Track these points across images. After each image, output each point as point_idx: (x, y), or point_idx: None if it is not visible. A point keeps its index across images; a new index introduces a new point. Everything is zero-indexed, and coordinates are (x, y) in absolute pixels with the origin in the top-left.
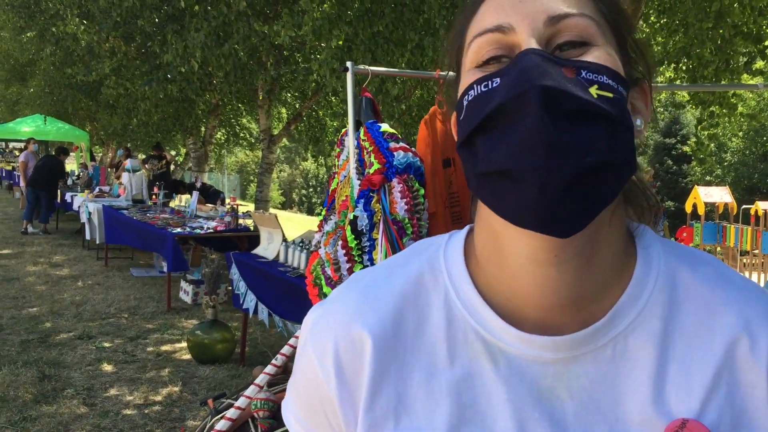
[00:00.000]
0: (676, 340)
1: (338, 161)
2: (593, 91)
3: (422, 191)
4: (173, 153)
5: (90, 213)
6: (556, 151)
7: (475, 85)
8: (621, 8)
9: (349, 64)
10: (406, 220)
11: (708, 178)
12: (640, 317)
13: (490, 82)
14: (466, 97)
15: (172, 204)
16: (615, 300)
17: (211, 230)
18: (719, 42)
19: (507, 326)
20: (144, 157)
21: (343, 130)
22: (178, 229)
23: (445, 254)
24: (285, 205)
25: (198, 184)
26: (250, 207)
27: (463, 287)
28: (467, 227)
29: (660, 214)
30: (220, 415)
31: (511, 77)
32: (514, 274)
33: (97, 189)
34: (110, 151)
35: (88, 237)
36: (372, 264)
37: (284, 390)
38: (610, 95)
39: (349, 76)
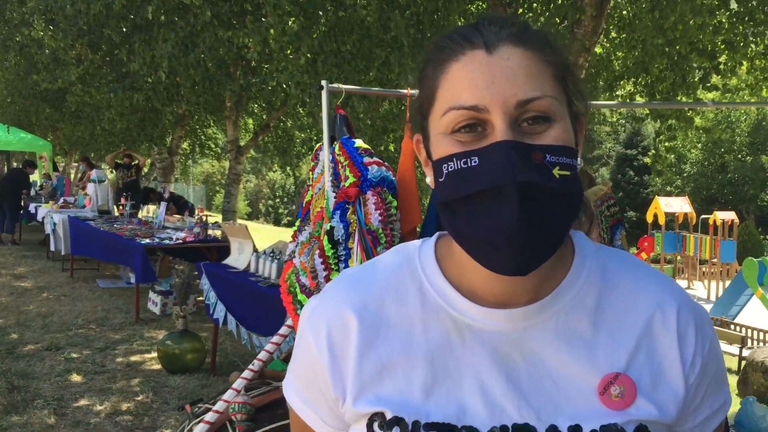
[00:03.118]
0: (606, 314)
1: (313, 174)
2: (555, 172)
3: (395, 203)
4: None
5: (55, 224)
6: (528, 234)
7: (454, 158)
8: (568, 65)
9: (324, 82)
10: (380, 231)
11: (668, 188)
12: (577, 297)
13: (468, 160)
14: (446, 166)
15: (139, 215)
16: (557, 284)
17: (180, 241)
18: (675, 58)
19: (471, 304)
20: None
21: (318, 145)
22: (147, 240)
23: (419, 254)
24: (251, 216)
25: (166, 195)
26: (218, 217)
27: (435, 278)
28: (436, 234)
29: (618, 225)
30: (198, 419)
31: (490, 166)
32: (481, 278)
33: (61, 200)
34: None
35: (52, 248)
36: None
37: (261, 394)
38: (568, 173)
39: (323, 94)
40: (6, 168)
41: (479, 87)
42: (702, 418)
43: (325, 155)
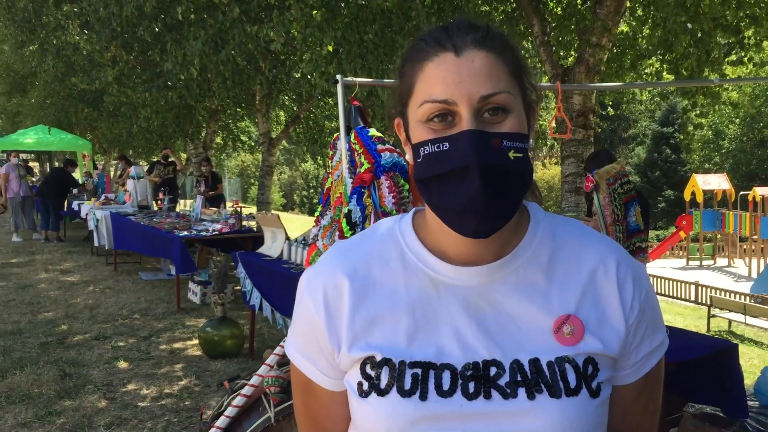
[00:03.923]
0: (557, 269)
1: (331, 162)
2: (511, 154)
3: (407, 186)
4: (183, 156)
5: (98, 220)
6: (489, 204)
7: (429, 143)
8: (522, 63)
9: (339, 77)
10: (394, 212)
11: (706, 165)
12: (532, 255)
13: (441, 145)
14: (423, 149)
15: (177, 209)
16: (516, 245)
17: (217, 232)
18: (699, 35)
19: (444, 264)
20: (147, 165)
21: (335, 135)
22: (185, 233)
23: (399, 225)
24: (286, 207)
25: (201, 188)
26: (252, 209)
27: (413, 244)
28: (413, 210)
29: (633, 201)
30: (236, 393)
31: (458, 150)
32: (452, 241)
33: (103, 197)
34: (111, 159)
35: (96, 244)
36: None
37: None
38: (520, 155)
39: (339, 87)
40: (48, 168)
41: (449, 84)
42: (643, 354)
43: (342, 144)
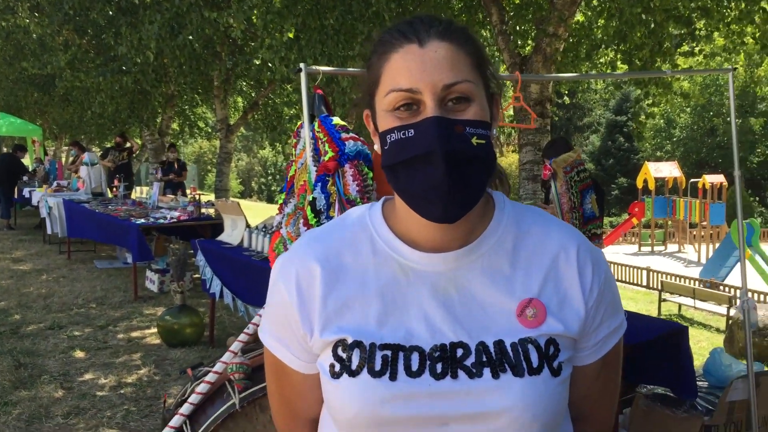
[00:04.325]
0: (521, 255)
1: (295, 150)
2: (474, 141)
3: (371, 174)
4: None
5: (50, 207)
6: (453, 189)
7: (395, 131)
8: (485, 56)
9: (302, 65)
10: (358, 200)
11: (658, 153)
12: (497, 242)
13: (406, 131)
14: (389, 136)
15: (132, 195)
16: (481, 233)
17: (175, 220)
18: (652, 26)
19: (413, 250)
20: (101, 151)
21: (299, 123)
22: (142, 220)
23: (369, 213)
24: (244, 194)
25: (158, 175)
26: (210, 196)
27: (383, 231)
28: (383, 198)
29: (588, 189)
30: (199, 380)
31: (423, 136)
32: (420, 228)
33: (55, 183)
34: (62, 145)
35: (49, 231)
36: None
37: (257, 356)
38: (483, 141)
39: (302, 76)
40: None
41: (413, 73)
42: (602, 336)
43: (305, 132)
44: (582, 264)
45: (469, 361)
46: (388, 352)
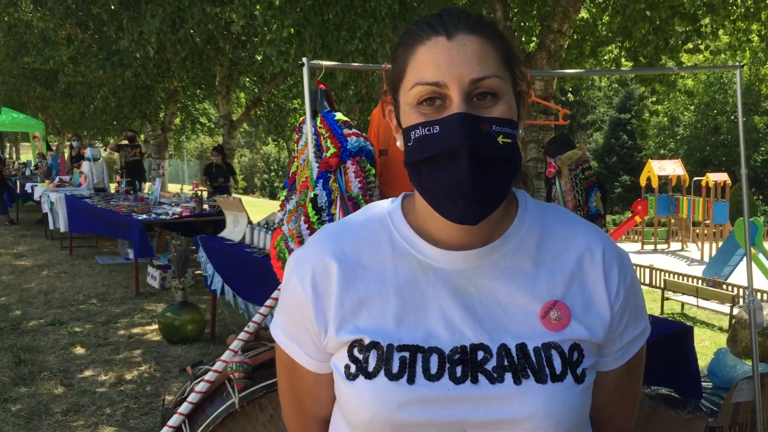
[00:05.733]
0: (545, 255)
1: (297, 147)
2: (500, 139)
3: (373, 171)
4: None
5: (52, 203)
6: (476, 188)
7: (420, 126)
8: (515, 53)
9: (304, 59)
10: (360, 197)
11: (662, 151)
12: (521, 241)
13: (431, 128)
14: (413, 133)
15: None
16: (504, 231)
17: (177, 216)
18: (657, 22)
19: (433, 248)
20: (104, 147)
21: (301, 119)
22: (144, 216)
23: (389, 209)
24: (246, 190)
25: (161, 171)
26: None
27: (402, 227)
28: (403, 194)
29: (593, 187)
30: (199, 379)
31: (448, 133)
32: (441, 226)
33: (57, 179)
34: (65, 140)
35: (51, 227)
36: None
37: (257, 354)
38: (509, 141)
39: (305, 70)
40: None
41: (440, 67)
42: (627, 341)
43: (307, 128)
44: (608, 266)
45: (490, 365)
46: (406, 354)
